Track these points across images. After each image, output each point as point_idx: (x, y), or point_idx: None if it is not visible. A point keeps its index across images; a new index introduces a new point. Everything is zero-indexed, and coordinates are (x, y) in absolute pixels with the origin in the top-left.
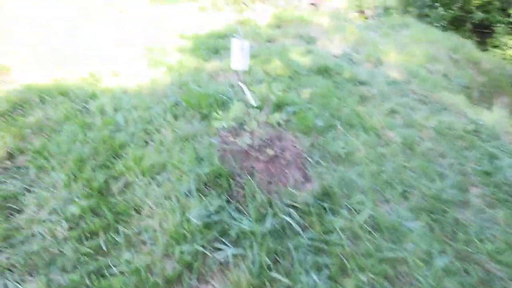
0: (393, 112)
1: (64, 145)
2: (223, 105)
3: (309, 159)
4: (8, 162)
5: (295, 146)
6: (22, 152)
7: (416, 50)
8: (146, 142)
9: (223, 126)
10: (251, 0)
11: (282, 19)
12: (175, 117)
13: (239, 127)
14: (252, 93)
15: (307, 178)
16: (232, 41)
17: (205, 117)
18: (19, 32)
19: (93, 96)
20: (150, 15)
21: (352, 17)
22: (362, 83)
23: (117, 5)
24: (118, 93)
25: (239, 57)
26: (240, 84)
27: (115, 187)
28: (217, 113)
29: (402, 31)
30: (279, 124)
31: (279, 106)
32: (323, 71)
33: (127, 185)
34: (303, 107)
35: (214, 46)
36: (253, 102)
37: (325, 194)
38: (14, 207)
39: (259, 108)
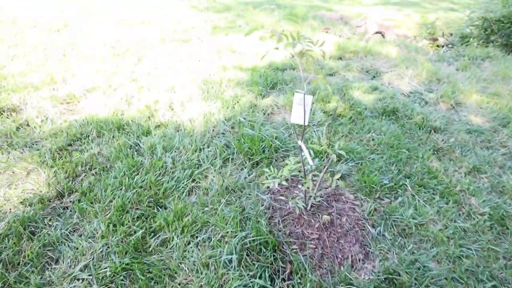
0: (476, 170)
1: (111, 188)
2: (276, 151)
3: (371, 229)
4: (57, 202)
5: (355, 210)
6: (71, 191)
7: (503, 89)
8: (191, 191)
9: (274, 186)
10: (312, 29)
11: (345, 50)
12: (224, 162)
13: (292, 185)
14: (310, 151)
15: (367, 256)
16: (294, 95)
17: (256, 165)
18: (87, 57)
19: (147, 132)
20: (210, 44)
21: (423, 46)
22: (436, 130)
23: (180, 35)
24: (171, 129)
25: (300, 112)
26: (299, 143)
27: (153, 244)
28: (269, 169)
29: (484, 65)
30: (337, 184)
31: (339, 158)
32: (390, 113)
33: (164, 242)
34: (367, 160)
35: (272, 80)
36: (311, 162)
37: (389, 282)
38: (52, 256)
39: (317, 165)
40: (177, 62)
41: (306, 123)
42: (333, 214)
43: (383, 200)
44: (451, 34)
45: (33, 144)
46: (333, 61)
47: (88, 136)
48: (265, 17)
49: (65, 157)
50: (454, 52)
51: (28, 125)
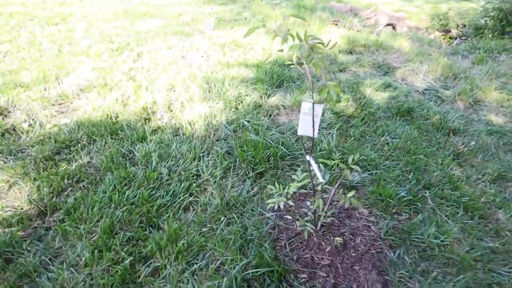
0: (501, 178)
1: (98, 206)
2: (283, 159)
3: (389, 251)
4: (39, 222)
5: (370, 229)
6: (55, 209)
7: None
8: (188, 207)
9: (279, 207)
10: (321, 22)
11: (356, 43)
12: (226, 171)
13: (300, 199)
14: (320, 166)
15: (385, 285)
16: (302, 105)
17: (260, 176)
18: (84, 52)
19: (142, 138)
20: (214, 38)
21: (435, 38)
22: (455, 131)
23: (183, 27)
24: (168, 134)
25: (308, 122)
26: (307, 158)
27: (143, 273)
28: (274, 186)
29: (501, 58)
30: (350, 202)
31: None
32: (405, 113)
33: (156, 271)
34: (381, 168)
35: (279, 77)
36: (321, 179)
37: None
38: None
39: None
40: (178, 58)
41: (316, 135)
42: (345, 234)
43: (401, 215)
44: (465, 26)
45: (18, 152)
46: (343, 55)
47: (78, 143)
48: (271, 9)
49: (50, 168)
50: (468, 45)
51: (14, 130)
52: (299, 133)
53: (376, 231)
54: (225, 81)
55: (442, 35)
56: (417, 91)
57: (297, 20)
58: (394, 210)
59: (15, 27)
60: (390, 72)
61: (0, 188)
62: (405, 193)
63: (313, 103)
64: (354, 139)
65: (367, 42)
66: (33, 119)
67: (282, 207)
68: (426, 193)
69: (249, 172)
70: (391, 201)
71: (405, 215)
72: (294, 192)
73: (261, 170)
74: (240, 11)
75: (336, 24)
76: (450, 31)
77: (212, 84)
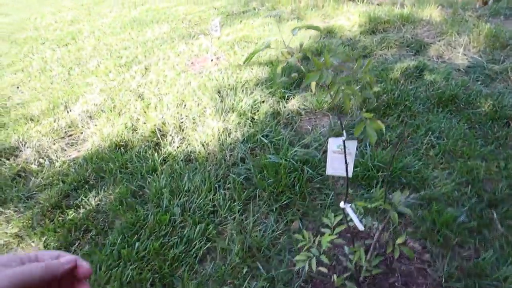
0: None
1: (106, 264)
2: (310, 182)
3: None
4: None
5: (426, 273)
6: None
7: None
8: (205, 256)
9: (312, 263)
10: (335, 0)
11: (378, 21)
12: (245, 204)
13: (335, 250)
14: (358, 215)
15: None
16: (329, 142)
17: (284, 208)
18: (92, 72)
19: (153, 170)
20: (223, 37)
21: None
22: None
23: (190, 29)
24: (180, 163)
25: (338, 161)
26: (342, 205)
27: None
28: (302, 235)
29: None
30: (400, 251)
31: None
32: (448, 102)
33: None
34: (430, 182)
35: (299, 70)
36: (360, 227)
37: None
38: None
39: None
40: (187, 65)
41: (350, 175)
42: (396, 284)
43: (464, 248)
44: None
45: (27, 199)
46: (365, 36)
47: (87, 182)
48: None
49: (58, 217)
50: (507, 1)
51: (25, 171)
52: (328, 173)
53: (434, 276)
54: (237, 87)
55: None
56: (458, 70)
57: (309, 2)
58: (454, 242)
59: (27, 53)
60: (422, 50)
61: (10, 244)
62: (465, 218)
63: (344, 141)
64: (391, 145)
65: (391, 18)
66: (42, 157)
67: (314, 268)
68: (492, 213)
69: (271, 204)
70: (448, 233)
71: (470, 249)
72: (327, 254)
73: (285, 201)
74: (248, 1)
75: (353, 0)
76: None
77: (224, 93)
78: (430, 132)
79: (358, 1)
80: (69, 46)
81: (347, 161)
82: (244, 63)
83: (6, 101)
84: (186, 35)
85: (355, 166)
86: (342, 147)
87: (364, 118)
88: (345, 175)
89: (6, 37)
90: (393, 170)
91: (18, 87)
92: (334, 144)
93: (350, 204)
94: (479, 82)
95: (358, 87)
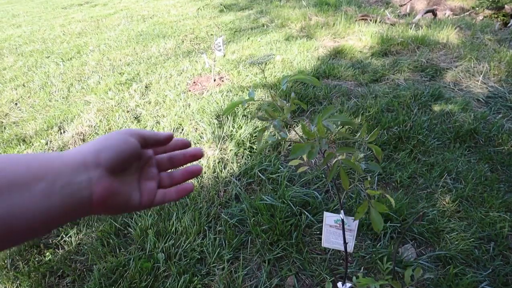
0: None
1: None
2: (309, 228)
3: None
4: None
5: None
6: None
7: None
8: None
9: None
10: (347, 19)
11: (391, 42)
12: (236, 252)
13: None
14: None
15: None
16: (325, 217)
17: (280, 260)
18: (92, 89)
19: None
20: (228, 55)
21: (486, 20)
22: None
23: (195, 45)
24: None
25: (335, 235)
26: (341, 287)
27: None
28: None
29: None
30: None
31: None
32: (466, 137)
33: None
34: (445, 235)
35: (301, 98)
36: None
37: None
38: None
39: None
40: (189, 85)
41: (351, 249)
42: None
43: None
44: None
45: None
46: (377, 58)
47: None
48: (291, 10)
49: (34, 258)
50: None
51: None
52: (324, 245)
53: None
54: (238, 112)
55: (494, 13)
56: (478, 100)
57: (320, 20)
58: None
59: (31, 67)
60: (438, 76)
61: None
62: (486, 285)
63: (343, 220)
64: (401, 186)
65: (405, 39)
66: None
67: None
68: None
69: (265, 253)
70: None
71: None
72: None
73: (280, 253)
74: (257, 17)
75: (365, 20)
76: (503, 7)
77: (223, 118)
78: (446, 173)
79: (371, 21)
80: (73, 60)
81: (347, 237)
82: (223, 115)
83: (3, 119)
84: (191, 52)
85: (350, 209)
86: (340, 222)
87: (367, 197)
88: (342, 249)
89: (14, 49)
90: (403, 219)
91: (16, 103)
92: (330, 219)
93: (350, 285)
94: (500, 115)
95: (362, 154)
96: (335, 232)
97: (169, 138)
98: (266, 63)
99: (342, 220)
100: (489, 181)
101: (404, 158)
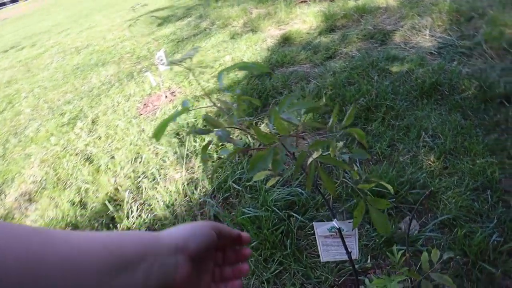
0: None
1: None
2: (301, 230)
3: None
4: None
5: None
6: None
7: None
8: None
9: None
10: (286, 5)
11: (334, 18)
12: None
13: None
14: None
15: None
16: (315, 228)
17: (279, 277)
18: (35, 139)
19: None
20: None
21: None
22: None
23: (140, 66)
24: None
25: (334, 245)
26: None
27: None
28: None
29: None
30: None
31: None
32: (431, 91)
33: None
34: (439, 193)
35: (260, 94)
36: None
37: None
38: None
39: None
40: (140, 108)
41: (356, 256)
42: None
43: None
44: None
45: None
46: (325, 36)
47: None
48: (230, 9)
49: None
50: None
51: None
52: (324, 260)
53: None
54: (198, 124)
55: None
56: (431, 52)
57: (261, 11)
58: (499, 274)
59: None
60: (387, 39)
61: None
62: (497, 237)
63: (339, 228)
64: (384, 158)
65: (347, 11)
66: None
67: None
68: None
69: (261, 274)
70: (483, 263)
71: None
72: None
73: (277, 269)
74: (198, 23)
75: (305, 1)
76: None
77: (183, 135)
78: (423, 132)
79: (310, 2)
80: (5, 113)
81: (349, 245)
82: (153, 137)
83: None
84: (136, 72)
85: (340, 198)
86: (336, 230)
87: (360, 195)
88: (346, 258)
89: None
90: (395, 192)
91: None
92: (323, 228)
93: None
94: (455, 62)
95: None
96: (333, 242)
97: (241, 237)
98: (191, 58)
99: (338, 229)
100: (465, 129)
101: (378, 128)
